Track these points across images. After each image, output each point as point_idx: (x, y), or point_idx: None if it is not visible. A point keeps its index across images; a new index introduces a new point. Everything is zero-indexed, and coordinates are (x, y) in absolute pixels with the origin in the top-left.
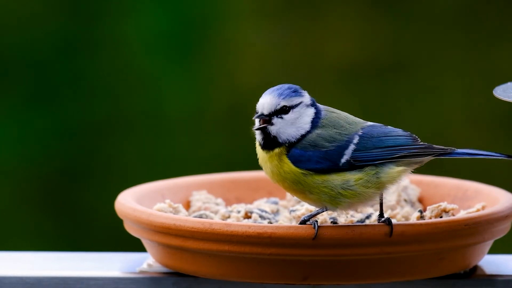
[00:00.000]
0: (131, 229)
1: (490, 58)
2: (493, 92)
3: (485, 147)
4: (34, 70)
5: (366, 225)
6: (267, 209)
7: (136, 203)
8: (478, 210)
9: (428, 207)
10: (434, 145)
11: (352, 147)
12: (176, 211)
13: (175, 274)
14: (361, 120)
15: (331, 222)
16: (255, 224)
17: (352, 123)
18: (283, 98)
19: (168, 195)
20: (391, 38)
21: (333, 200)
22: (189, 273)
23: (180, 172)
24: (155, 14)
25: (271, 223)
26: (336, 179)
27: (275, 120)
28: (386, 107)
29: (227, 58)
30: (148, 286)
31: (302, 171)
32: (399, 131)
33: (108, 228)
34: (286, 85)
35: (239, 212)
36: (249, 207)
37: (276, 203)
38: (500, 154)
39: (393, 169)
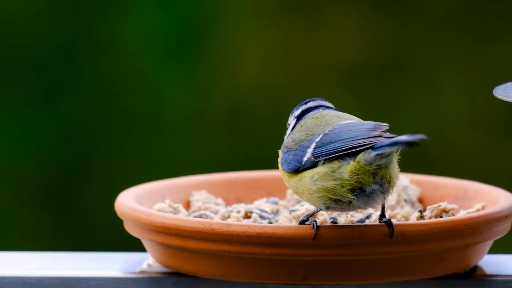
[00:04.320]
0: (131, 229)
1: (490, 58)
2: (493, 92)
3: (485, 146)
4: (34, 70)
5: (366, 225)
6: (267, 209)
7: (136, 203)
8: (478, 210)
9: (428, 207)
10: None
11: (313, 145)
12: (176, 211)
13: (175, 274)
14: (347, 119)
15: (331, 222)
16: (255, 224)
17: (328, 124)
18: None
19: (168, 195)
20: (391, 38)
21: (313, 198)
22: (189, 273)
23: (180, 172)
24: (155, 14)
25: (271, 223)
26: (306, 176)
27: None
28: (386, 107)
29: (227, 58)
30: (148, 286)
31: (287, 174)
32: (366, 123)
33: (108, 228)
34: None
35: (239, 212)
36: (249, 207)
37: (276, 203)
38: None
39: (350, 164)
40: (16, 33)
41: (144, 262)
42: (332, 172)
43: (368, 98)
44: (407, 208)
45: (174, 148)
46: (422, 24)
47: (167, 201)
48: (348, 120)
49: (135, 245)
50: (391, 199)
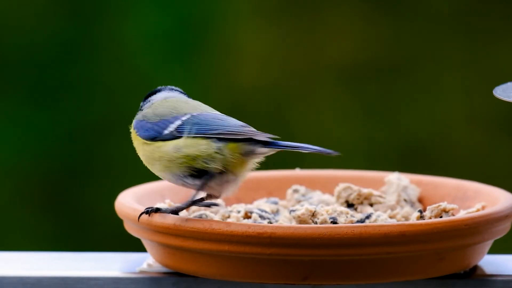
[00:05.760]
0: (131, 229)
1: (490, 58)
2: (493, 92)
3: (485, 146)
4: (34, 70)
5: (366, 225)
6: (267, 209)
7: (136, 203)
8: (478, 210)
9: (428, 207)
10: (261, 132)
11: (178, 122)
12: None
13: (175, 274)
14: (208, 109)
15: (331, 222)
16: (255, 224)
17: (191, 108)
18: None
19: (168, 195)
20: (391, 38)
21: (173, 164)
22: (189, 273)
23: None
24: (155, 15)
25: (271, 223)
26: (167, 145)
27: None
28: (386, 107)
29: (227, 58)
30: (148, 286)
31: (143, 141)
32: (231, 120)
33: (108, 228)
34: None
35: (239, 212)
36: (249, 207)
37: (276, 203)
38: (321, 149)
39: (226, 151)
40: (16, 33)
41: (144, 262)
42: (196, 145)
43: (368, 98)
44: (407, 208)
45: None
46: (423, 24)
47: (167, 201)
48: (212, 110)
49: (135, 245)
50: (391, 199)
